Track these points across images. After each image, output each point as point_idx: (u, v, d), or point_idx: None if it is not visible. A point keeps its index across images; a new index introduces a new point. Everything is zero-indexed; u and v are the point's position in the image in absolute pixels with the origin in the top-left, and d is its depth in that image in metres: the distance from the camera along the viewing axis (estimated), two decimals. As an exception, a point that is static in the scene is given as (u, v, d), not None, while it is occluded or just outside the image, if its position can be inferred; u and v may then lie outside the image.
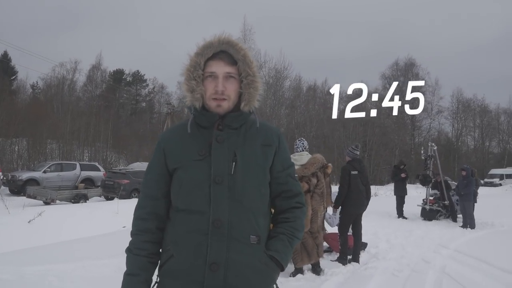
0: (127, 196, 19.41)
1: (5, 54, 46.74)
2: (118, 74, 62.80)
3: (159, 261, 1.91)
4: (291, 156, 6.24)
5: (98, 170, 24.55)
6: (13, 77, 49.99)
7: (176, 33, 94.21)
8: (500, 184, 44.10)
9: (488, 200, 17.88)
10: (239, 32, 51.61)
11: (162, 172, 1.91)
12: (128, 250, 1.94)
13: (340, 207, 7.16)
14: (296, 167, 6.12)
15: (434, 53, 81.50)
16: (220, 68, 1.85)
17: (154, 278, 1.91)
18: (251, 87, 1.91)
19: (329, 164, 6.42)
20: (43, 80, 50.99)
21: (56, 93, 47.38)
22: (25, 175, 21.73)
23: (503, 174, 47.32)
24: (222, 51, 1.88)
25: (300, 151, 6.38)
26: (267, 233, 1.90)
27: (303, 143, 6.50)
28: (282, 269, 1.89)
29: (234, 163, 1.82)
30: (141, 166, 25.97)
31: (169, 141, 1.92)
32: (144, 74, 64.35)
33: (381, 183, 42.71)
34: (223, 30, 1.90)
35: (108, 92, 55.10)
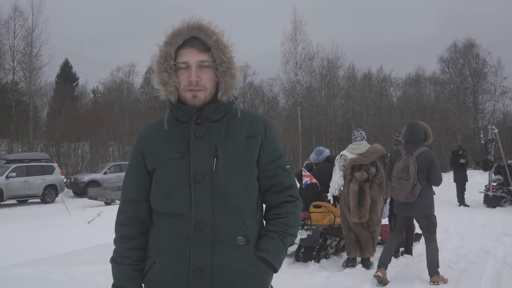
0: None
1: (66, 62, 48.87)
2: (173, 75, 64.21)
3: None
4: (350, 146, 6.19)
5: (155, 170, 25.20)
6: (75, 83, 52.19)
7: (231, 31, 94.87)
8: None
9: None
10: (289, 25, 51.40)
11: (141, 174, 1.76)
12: (112, 260, 1.86)
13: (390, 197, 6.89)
14: (355, 155, 6.11)
15: (494, 32, 77.18)
16: (192, 56, 1.68)
17: None
18: (227, 74, 1.73)
19: (389, 154, 6.13)
20: (102, 85, 53.00)
21: (115, 96, 49.06)
22: (86, 177, 22.67)
23: None
24: (193, 37, 1.70)
25: (359, 140, 6.33)
26: (257, 232, 1.75)
27: (361, 133, 6.50)
28: (275, 271, 1.74)
29: (215, 159, 1.67)
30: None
31: (146, 140, 1.78)
32: (200, 73, 65.43)
33: (444, 169, 41.17)
34: (192, 15, 1.75)
35: (165, 93, 56.32)
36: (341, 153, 6.33)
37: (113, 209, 11.86)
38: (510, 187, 12.98)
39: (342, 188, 6.01)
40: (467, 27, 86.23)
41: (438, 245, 5.47)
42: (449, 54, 52.23)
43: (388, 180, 5.71)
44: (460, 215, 11.05)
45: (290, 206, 1.82)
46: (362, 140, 6.37)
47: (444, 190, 15.16)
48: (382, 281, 5.17)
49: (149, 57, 75.84)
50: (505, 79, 52.21)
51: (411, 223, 6.96)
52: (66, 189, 21.63)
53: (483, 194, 13.28)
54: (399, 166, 5.31)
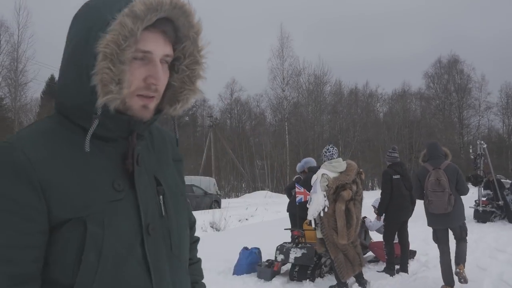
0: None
1: (52, 78, 48.47)
2: (160, 90, 64.17)
3: None
4: (328, 163, 5.95)
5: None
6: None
7: (217, 46, 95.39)
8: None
9: None
10: (276, 41, 51.72)
11: (37, 230, 0.99)
12: None
13: (383, 214, 6.80)
14: (336, 174, 5.82)
15: (478, 48, 78.62)
16: (159, 46, 1.09)
17: None
18: (194, 81, 1.23)
19: (362, 170, 6.12)
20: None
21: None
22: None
23: (561, 170, 45.12)
24: (167, 19, 1.10)
25: (336, 157, 6.03)
26: None
27: (336, 149, 6.14)
28: None
29: (161, 196, 1.16)
30: (185, 180, 25.93)
31: (49, 168, 1.01)
32: (186, 89, 65.43)
33: (431, 185, 41.39)
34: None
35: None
36: (321, 172, 5.88)
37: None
38: (500, 202, 12.98)
39: (326, 209, 5.61)
40: (451, 44, 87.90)
41: (433, 262, 5.48)
42: (434, 69, 53.11)
43: (419, 197, 5.95)
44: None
45: (196, 247, 1.47)
46: (338, 157, 6.08)
47: (434, 206, 15.21)
48: (466, 280, 5.58)
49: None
50: (489, 94, 53.21)
51: (406, 241, 6.89)
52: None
53: (473, 209, 13.25)
54: (431, 181, 5.58)
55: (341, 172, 5.86)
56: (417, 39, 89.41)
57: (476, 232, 10.58)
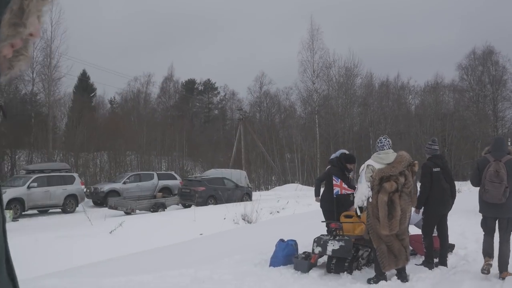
0: (204, 203, 19.72)
1: (84, 73, 49.39)
2: (190, 84, 64.62)
3: None
4: (376, 155, 5.97)
5: (175, 178, 25.17)
6: (92, 94, 52.73)
7: (243, 37, 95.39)
8: None
9: None
10: (306, 33, 51.35)
11: None
12: None
13: (422, 207, 6.70)
14: (382, 165, 5.88)
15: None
16: None
17: None
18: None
19: (416, 162, 6.11)
20: (120, 95, 53.44)
21: (132, 106, 49.41)
22: (106, 187, 22.70)
23: None
24: None
25: (387, 149, 6.04)
26: None
27: (389, 141, 6.16)
28: None
29: None
30: (216, 173, 26.37)
31: None
32: (215, 82, 65.80)
33: (464, 178, 40.52)
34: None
35: (181, 102, 56.78)
36: (367, 163, 6.01)
37: (134, 219, 11.92)
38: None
39: (370, 200, 5.76)
40: (486, 35, 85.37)
41: (472, 255, 6.09)
42: (468, 61, 51.62)
43: (476, 184, 6.29)
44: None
45: None
46: (389, 148, 6.10)
47: (469, 199, 14.84)
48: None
49: (166, 67, 76.57)
50: (525, 85, 51.54)
51: (445, 235, 6.78)
52: (86, 199, 21.70)
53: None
54: (490, 171, 5.94)
55: (387, 164, 5.87)
56: (450, 29, 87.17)
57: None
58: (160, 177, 24.57)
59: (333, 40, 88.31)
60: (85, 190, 22.37)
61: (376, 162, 5.95)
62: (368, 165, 5.95)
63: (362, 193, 5.83)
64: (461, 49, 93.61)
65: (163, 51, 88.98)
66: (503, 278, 5.80)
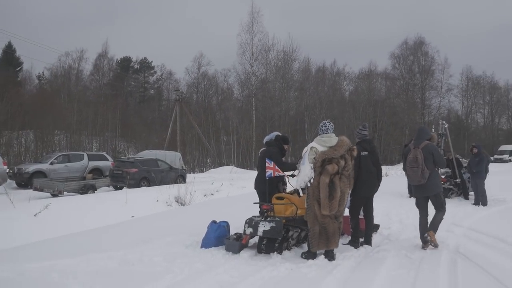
0: (136, 185, 19.34)
1: (9, 45, 46.60)
2: (125, 62, 62.72)
3: None
4: (319, 138, 6.13)
5: (106, 159, 24.43)
6: (18, 68, 49.92)
7: (182, 17, 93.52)
8: (510, 160, 44.11)
9: (499, 177, 17.75)
10: (246, 15, 51.16)
11: None
12: None
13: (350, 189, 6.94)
14: (325, 148, 6.05)
15: (443, 32, 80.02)
16: None
17: None
18: None
19: (355, 147, 6.35)
20: (49, 71, 50.98)
21: (62, 83, 47.32)
22: (31, 168, 21.64)
23: (512, 150, 47.16)
24: None
25: (330, 133, 6.24)
26: None
27: (332, 125, 6.37)
28: None
29: None
30: (150, 154, 25.89)
31: None
32: (152, 61, 64.29)
33: (392, 163, 42.43)
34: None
35: (116, 81, 55.07)
36: (311, 145, 6.18)
37: (62, 201, 11.50)
38: (457, 180, 13.45)
39: (311, 181, 5.94)
40: (419, 27, 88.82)
41: (395, 235, 6.61)
42: (400, 51, 53.75)
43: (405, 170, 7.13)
44: (412, 206, 11.05)
45: None
46: (332, 132, 6.29)
47: (395, 182, 15.61)
48: (436, 244, 6.62)
49: (100, 43, 73.62)
50: (451, 77, 54.58)
51: (371, 216, 7.07)
52: (8, 180, 20.59)
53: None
54: (410, 157, 6.81)
55: (330, 147, 6.05)
56: (387, 22, 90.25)
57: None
58: (91, 158, 23.74)
59: (273, 24, 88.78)
60: (7, 170, 21.16)
61: (319, 144, 6.11)
62: (311, 147, 6.11)
63: (305, 174, 5.97)
64: (396, 41, 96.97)
65: (98, 26, 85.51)
66: (429, 236, 6.62)
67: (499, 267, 5.44)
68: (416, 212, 7.19)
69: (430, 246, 6.62)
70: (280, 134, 7.71)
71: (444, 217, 6.86)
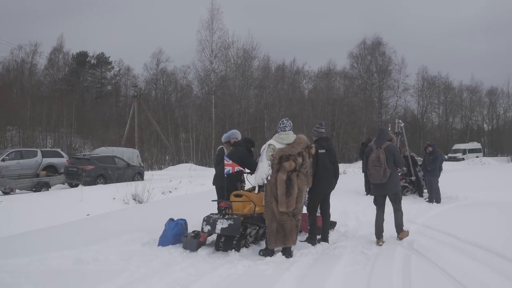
0: (92, 182, 18.94)
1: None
2: (81, 57, 61.14)
3: None
4: (277, 135, 6.20)
5: (61, 156, 23.71)
6: (-32, 61, 47.87)
7: (141, 12, 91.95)
8: (463, 159, 45.73)
9: (452, 175, 18.11)
10: (206, 12, 50.91)
11: None
12: None
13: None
14: (283, 145, 6.12)
15: (400, 32, 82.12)
16: None
17: None
18: None
19: (313, 145, 6.45)
20: (1, 64, 49.09)
21: (15, 77, 45.69)
22: (-19, 164, 20.81)
23: (465, 149, 49.12)
24: None
25: (288, 130, 6.32)
26: None
27: (290, 123, 6.45)
28: None
29: None
30: (107, 151, 25.38)
31: None
32: (109, 57, 62.94)
33: (350, 161, 43.21)
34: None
35: (71, 76, 53.65)
36: (269, 142, 6.25)
37: (13, 199, 11.12)
38: (412, 178, 13.80)
39: (269, 178, 5.97)
40: (377, 28, 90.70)
41: (351, 232, 6.87)
42: (358, 50, 54.80)
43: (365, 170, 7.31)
44: (369, 204, 11.27)
45: None
46: (290, 130, 6.37)
47: (353, 180, 15.89)
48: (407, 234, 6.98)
49: (55, 37, 71.46)
50: (407, 77, 56.17)
51: (327, 213, 7.17)
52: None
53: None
54: (372, 157, 7.06)
55: (287, 144, 6.13)
56: (346, 21, 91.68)
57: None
58: (45, 155, 22.97)
59: (233, 22, 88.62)
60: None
61: (277, 142, 6.18)
62: (269, 145, 6.18)
63: (263, 171, 6.02)
64: (355, 41, 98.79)
65: (53, 19, 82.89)
66: (400, 239, 7.01)
67: (450, 262, 5.61)
68: (372, 209, 7.37)
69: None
70: (236, 132, 7.81)
71: (402, 209, 7.24)
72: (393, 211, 7.19)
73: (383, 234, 7.05)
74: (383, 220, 7.10)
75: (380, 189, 7.13)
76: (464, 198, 12.52)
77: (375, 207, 7.24)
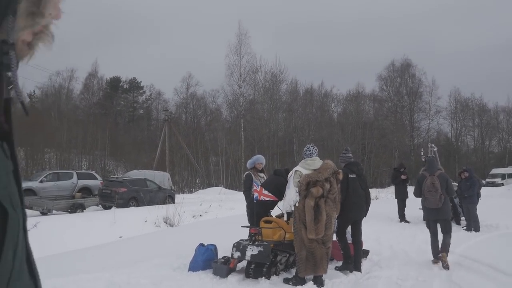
0: (125, 204, 19.18)
1: (1, 64, 46.46)
2: (114, 82, 62.63)
3: None
4: (304, 161, 6.23)
5: (95, 178, 24.23)
6: (10, 87, 49.63)
7: (173, 39, 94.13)
8: (502, 184, 43.91)
9: (491, 201, 17.32)
10: (234, 37, 51.75)
11: None
12: None
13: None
14: (309, 171, 6.11)
15: (430, 54, 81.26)
16: None
17: None
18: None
19: (340, 171, 6.43)
20: (40, 89, 50.82)
21: (53, 102, 47.17)
22: (21, 186, 21.39)
23: (504, 174, 47.03)
24: None
25: (314, 156, 6.34)
26: None
27: (316, 149, 6.47)
28: None
29: None
30: (139, 174, 25.75)
31: None
32: (141, 81, 64.29)
33: (382, 185, 42.47)
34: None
35: (105, 100, 54.99)
36: (295, 169, 6.26)
37: (50, 220, 11.32)
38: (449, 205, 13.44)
39: (297, 204, 5.94)
40: (406, 49, 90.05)
41: (385, 262, 6.81)
42: (387, 72, 54.33)
43: (418, 195, 7.84)
44: (402, 231, 11.19)
45: None
46: (316, 156, 6.35)
47: (386, 206, 15.61)
48: (447, 266, 6.98)
49: (90, 63, 73.57)
50: (439, 99, 55.04)
51: (359, 240, 7.04)
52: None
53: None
54: (427, 183, 7.54)
55: (314, 170, 6.10)
56: (373, 44, 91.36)
57: (426, 233, 10.85)
58: (80, 177, 23.52)
59: (260, 46, 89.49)
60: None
61: (304, 168, 6.18)
62: (296, 171, 6.18)
63: (291, 198, 6.02)
64: (383, 62, 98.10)
65: (88, 46, 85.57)
66: (442, 257, 7.14)
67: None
68: (405, 236, 7.25)
69: (440, 265, 7.08)
70: (261, 157, 7.97)
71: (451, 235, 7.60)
72: (443, 236, 7.51)
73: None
74: (438, 242, 7.47)
75: (434, 214, 7.55)
76: (505, 226, 11.87)
77: (403, 236, 7.78)
